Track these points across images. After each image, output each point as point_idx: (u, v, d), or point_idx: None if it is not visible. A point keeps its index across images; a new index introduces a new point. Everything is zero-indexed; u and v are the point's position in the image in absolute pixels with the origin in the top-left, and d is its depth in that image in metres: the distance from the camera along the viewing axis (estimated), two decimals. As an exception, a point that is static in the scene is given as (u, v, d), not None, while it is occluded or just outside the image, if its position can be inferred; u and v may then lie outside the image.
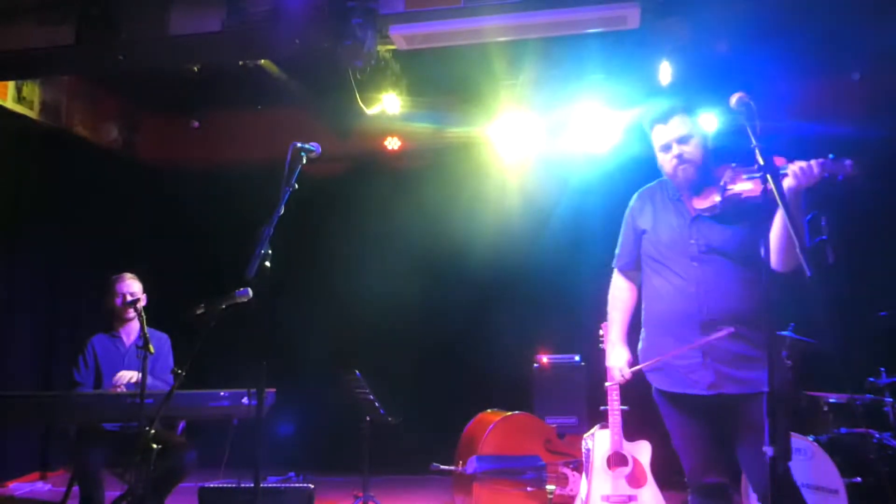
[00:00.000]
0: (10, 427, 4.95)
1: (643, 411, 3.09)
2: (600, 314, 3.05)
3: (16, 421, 3.91)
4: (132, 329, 4.11)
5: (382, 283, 5.92)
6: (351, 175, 6.59)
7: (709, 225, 2.66)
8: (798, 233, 2.04)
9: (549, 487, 4.24)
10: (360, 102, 5.02)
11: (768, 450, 1.98)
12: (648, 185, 2.93)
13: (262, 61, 4.71)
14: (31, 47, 4.29)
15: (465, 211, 6.02)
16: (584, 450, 3.95)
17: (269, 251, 2.64)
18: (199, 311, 3.09)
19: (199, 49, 4.24)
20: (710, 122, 4.66)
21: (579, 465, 4.22)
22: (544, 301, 5.88)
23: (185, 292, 4.14)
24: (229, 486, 3.76)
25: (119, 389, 3.77)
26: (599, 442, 3.75)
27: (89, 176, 6.08)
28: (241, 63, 4.51)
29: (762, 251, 2.16)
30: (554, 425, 4.73)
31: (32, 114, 5.45)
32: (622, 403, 3.67)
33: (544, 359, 5.19)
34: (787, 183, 2.36)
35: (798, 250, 2.00)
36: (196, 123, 6.63)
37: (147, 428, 3.11)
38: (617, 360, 2.90)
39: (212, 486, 3.80)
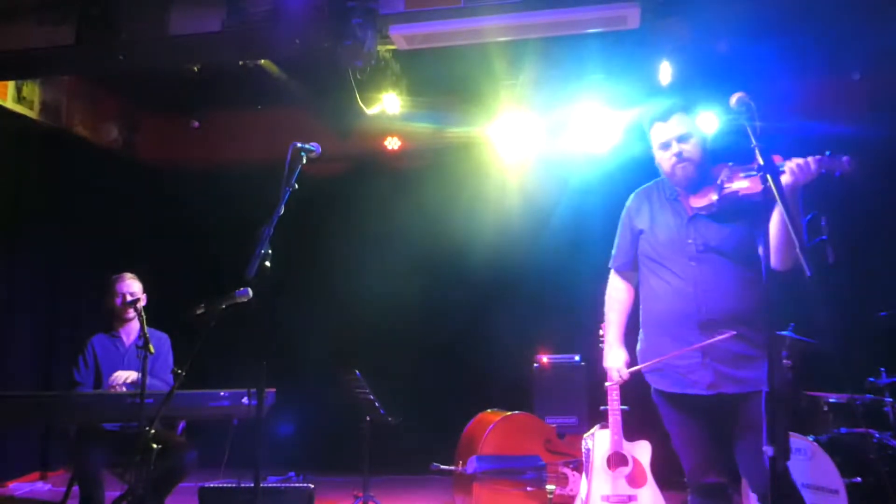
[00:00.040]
0: (10, 427, 4.94)
1: (643, 411, 3.08)
2: (600, 314, 3.05)
3: (16, 421, 3.90)
4: (132, 329, 4.11)
5: (382, 283, 5.92)
6: (351, 175, 6.59)
7: (706, 224, 2.66)
8: (797, 230, 2.04)
9: (549, 487, 4.24)
10: (360, 102, 5.02)
11: (768, 449, 1.98)
12: (645, 185, 2.93)
13: (262, 61, 4.71)
14: (31, 47, 4.29)
15: (465, 211, 6.02)
16: (584, 450, 3.95)
17: (269, 251, 2.64)
18: (199, 311, 3.09)
19: (199, 49, 4.24)
20: (710, 121, 4.67)
21: (579, 465, 4.23)
22: (544, 301, 5.88)
23: (185, 292, 4.15)
24: (229, 486, 3.76)
25: (118, 389, 3.77)
26: (599, 442, 3.75)
27: (89, 176, 6.08)
28: (241, 63, 4.51)
29: (761, 250, 2.16)
30: (554, 425, 4.73)
31: (32, 114, 5.45)
32: (622, 403, 3.67)
33: (544, 359, 5.19)
34: (785, 180, 2.36)
35: (798, 250, 1.99)
36: (196, 123, 6.63)
37: (147, 428, 3.12)
38: (614, 361, 2.90)
39: (212, 486, 3.80)
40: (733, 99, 2.23)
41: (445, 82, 5.58)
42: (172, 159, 6.76)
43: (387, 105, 5.14)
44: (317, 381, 5.64)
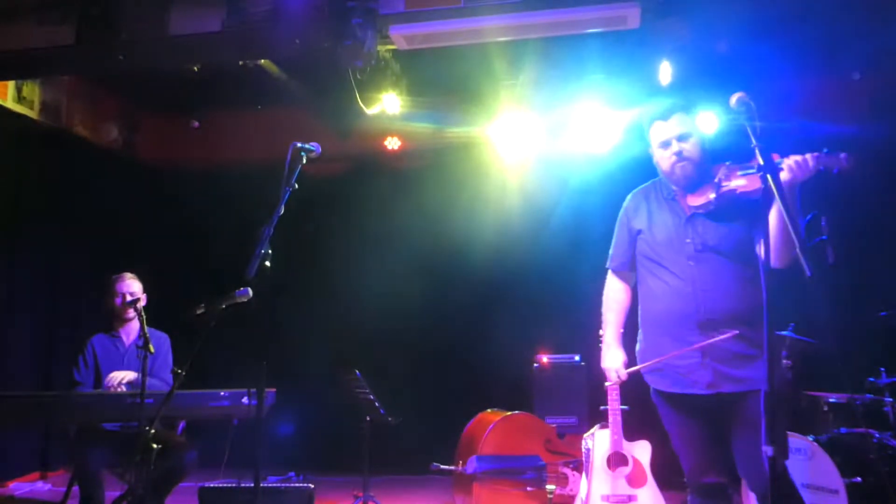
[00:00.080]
0: (10, 427, 4.94)
1: (643, 411, 3.08)
2: (600, 314, 3.04)
3: (16, 421, 3.90)
4: (132, 329, 4.11)
5: (382, 283, 5.92)
6: (351, 175, 6.59)
7: (704, 223, 2.66)
8: (795, 228, 2.03)
9: (549, 487, 4.24)
10: (360, 102, 5.02)
11: (767, 449, 1.98)
12: (643, 185, 2.93)
13: (262, 61, 4.71)
14: (31, 47, 4.29)
15: (465, 211, 6.02)
16: (584, 450, 3.95)
17: (269, 251, 2.64)
18: (199, 311, 3.09)
19: (199, 49, 4.24)
20: (710, 121, 4.67)
21: (579, 464, 4.23)
22: (544, 301, 5.87)
23: (185, 292, 4.15)
24: (229, 486, 3.77)
25: (116, 390, 3.76)
26: (599, 442, 3.75)
27: (89, 176, 6.08)
28: (241, 63, 4.51)
29: (760, 248, 2.15)
30: (554, 425, 4.73)
31: (32, 114, 5.45)
32: (622, 403, 3.67)
33: (544, 359, 5.19)
34: (783, 177, 2.36)
35: (797, 250, 1.99)
36: (196, 123, 6.63)
37: (147, 428, 3.12)
38: (612, 361, 2.90)
39: (212, 486, 3.81)
40: (733, 99, 2.23)
41: (445, 82, 5.58)
42: (172, 159, 6.75)
43: (387, 105, 5.14)
44: (317, 381, 5.64)
